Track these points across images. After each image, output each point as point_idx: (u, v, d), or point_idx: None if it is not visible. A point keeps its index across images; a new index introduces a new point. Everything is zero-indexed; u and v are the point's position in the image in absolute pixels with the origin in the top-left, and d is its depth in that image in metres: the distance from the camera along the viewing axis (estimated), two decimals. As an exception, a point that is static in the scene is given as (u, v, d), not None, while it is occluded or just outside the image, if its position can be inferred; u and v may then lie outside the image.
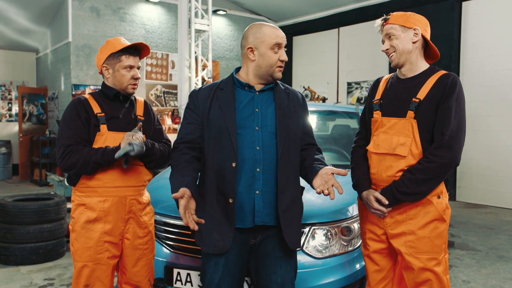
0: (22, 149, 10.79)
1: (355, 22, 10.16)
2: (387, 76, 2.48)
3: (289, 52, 11.71)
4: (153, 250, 2.56)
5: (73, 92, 9.36)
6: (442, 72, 2.27)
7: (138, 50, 2.46)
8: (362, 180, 2.34)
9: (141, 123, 2.42)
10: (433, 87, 2.20)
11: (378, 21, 2.35)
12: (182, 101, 6.82)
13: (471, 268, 4.65)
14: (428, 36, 2.30)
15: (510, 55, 7.70)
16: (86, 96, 2.45)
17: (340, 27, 10.53)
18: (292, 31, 11.66)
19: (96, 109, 2.37)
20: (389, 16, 2.30)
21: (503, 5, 7.80)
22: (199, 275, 2.57)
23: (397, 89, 2.31)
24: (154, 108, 9.70)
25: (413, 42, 2.25)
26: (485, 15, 8.04)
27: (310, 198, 2.82)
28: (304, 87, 11.39)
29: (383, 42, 2.33)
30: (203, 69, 7.31)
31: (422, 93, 2.20)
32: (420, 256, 2.16)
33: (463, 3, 8.32)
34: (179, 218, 2.73)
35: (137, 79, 2.44)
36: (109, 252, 2.36)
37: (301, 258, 2.55)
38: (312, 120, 4.48)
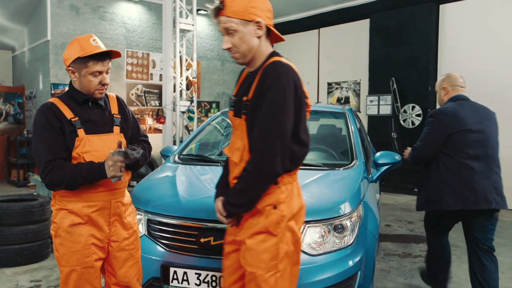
0: (-1, 150, 10.56)
1: (335, 23, 10.31)
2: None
3: (270, 52, 11.78)
4: (139, 249, 2.52)
5: (52, 91, 9.21)
6: (269, 61, 2.00)
7: (107, 53, 2.27)
8: (217, 186, 2.28)
9: (120, 141, 2.23)
10: (258, 81, 1.98)
11: (211, 8, 1.99)
12: (167, 100, 6.80)
13: (453, 263, 4.77)
14: (271, 23, 2.04)
15: (485, 57, 7.93)
16: (54, 101, 2.27)
17: (320, 28, 10.66)
18: (272, 31, 11.72)
19: (68, 114, 2.24)
20: (222, 4, 1.96)
21: (478, 9, 8.04)
22: (196, 273, 2.60)
23: (246, 84, 2.11)
24: (135, 108, 9.64)
25: (258, 37, 2.01)
26: (461, 19, 8.26)
27: (305, 196, 2.88)
28: (285, 87, 11.47)
29: (222, 34, 2.03)
30: (188, 69, 7.30)
31: (252, 91, 2.00)
32: (248, 268, 2.01)
33: (441, 6, 8.53)
34: (174, 217, 2.76)
35: (105, 85, 2.29)
36: (96, 254, 2.30)
37: (296, 255, 2.60)
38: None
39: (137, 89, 10.13)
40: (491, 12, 7.88)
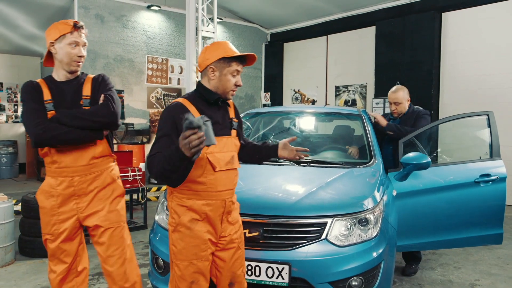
0: (29, 149, 10.68)
1: (342, 30, 10.32)
2: None
3: (280, 58, 11.83)
4: (243, 242, 2.48)
5: (79, 95, 9.29)
6: None
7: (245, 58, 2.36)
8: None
9: (186, 114, 2.03)
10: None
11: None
12: (190, 103, 6.88)
13: (460, 255, 4.81)
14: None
15: (486, 61, 7.93)
16: (182, 101, 2.28)
17: (328, 35, 10.67)
18: (283, 38, 11.77)
19: (195, 114, 2.23)
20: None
21: (478, 16, 8.03)
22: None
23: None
24: (155, 110, 9.65)
25: None
26: (463, 25, 8.26)
27: (331, 192, 2.92)
28: (294, 90, 11.51)
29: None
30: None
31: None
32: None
33: (443, 14, 8.52)
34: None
35: (238, 86, 2.34)
36: (211, 249, 2.32)
37: (325, 246, 2.65)
38: (317, 121, 4.59)
39: (157, 92, 10.20)
40: (489, 20, 7.88)
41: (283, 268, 2.61)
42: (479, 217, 3.49)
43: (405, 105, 4.26)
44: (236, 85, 2.33)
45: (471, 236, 3.53)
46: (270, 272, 2.63)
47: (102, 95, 2.51)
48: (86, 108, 2.48)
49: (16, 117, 11.59)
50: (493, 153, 3.58)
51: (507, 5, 7.67)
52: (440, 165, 3.71)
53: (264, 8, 10.68)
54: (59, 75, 2.53)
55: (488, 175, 3.46)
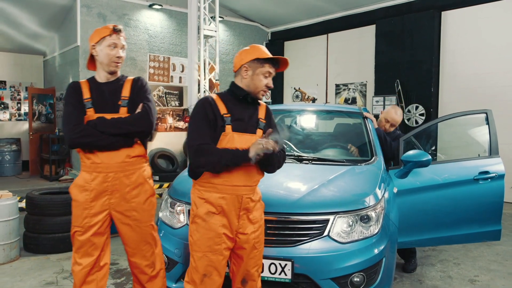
0: (32, 146, 10.68)
1: (342, 29, 10.30)
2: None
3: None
4: (262, 242, 2.51)
5: (82, 93, 9.30)
6: None
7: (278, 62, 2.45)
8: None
9: (271, 129, 2.33)
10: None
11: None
12: (192, 101, 6.88)
13: (459, 252, 4.82)
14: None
15: (486, 60, 7.93)
16: (214, 96, 2.42)
17: (328, 33, 10.65)
18: (284, 36, 11.76)
19: (223, 109, 2.37)
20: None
21: (478, 15, 8.02)
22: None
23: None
24: (157, 108, 9.67)
25: None
26: (462, 24, 8.25)
27: (333, 190, 2.93)
28: (295, 88, 11.51)
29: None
30: (211, 72, 7.37)
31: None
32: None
33: (442, 13, 8.51)
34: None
35: (269, 88, 2.44)
36: (225, 244, 2.35)
37: (327, 243, 2.66)
38: (318, 119, 4.59)
39: (159, 90, 10.20)
40: (488, 19, 7.87)
41: (286, 265, 2.62)
42: (478, 214, 3.50)
43: (387, 127, 4.38)
44: (267, 87, 2.40)
45: (470, 232, 3.55)
46: (273, 268, 2.65)
47: (141, 104, 2.59)
48: (124, 108, 2.57)
49: (20, 115, 11.59)
50: (492, 151, 3.59)
51: (506, 4, 7.67)
52: (440, 162, 3.72)
53: (265, 7, 10.67)
54: (100, 76, 2.63)
55: (486, 172, 3.47)
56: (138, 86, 2.65)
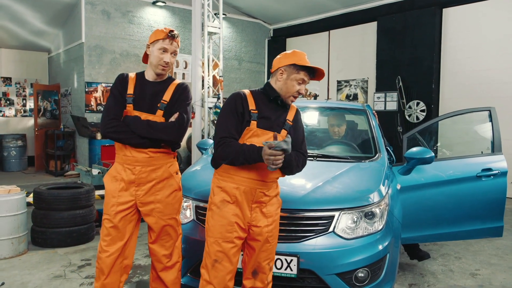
0: (38, 142, 10.70)
1: (344, 26, 10.28)
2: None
3: (283, 53, 11.77)
4: (276, 237, 2.53)
5: (86, 89, 9.31)
6: None
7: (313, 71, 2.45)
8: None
9: (276, 133, 2.36)
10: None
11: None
12: (196, 97, 6.87)
13: (460, 246, 4.83)
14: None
15: (486, 57, 7.91)
16: (246, 92, 2.48)
17: (330, 30, 10.63)
18: (286, 33, 11.73)
19: (252, 105, 2.43)
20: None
21: (478, 12, 8.00)
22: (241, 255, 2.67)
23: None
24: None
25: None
26: (463, 21, 8.22)
27: (338, 186, 2.94)
28: (297, 84, 11.48)
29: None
30: (214, 68, 7.36)
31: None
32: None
33: (444, 10, 8.48)
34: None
35: (300, 94, 2.47)
36: (237, 233, 2.41)
37: (332, 239, 2.67)
38: (321, 116, 4.59)
39: (163, 86, 10.18)
40: (489, 16, 7.85)
41: (291, 260, 2.64)
42: (480, 210, 3.50)
43: None
44: (299, 93, 2.43)
45: (473, 229, 3.55)
46: (279, 264, 2.67)
47: (177, 114, 2.63)
48: (161, 111, 2.63)
49: (25, 111, 11.60)
50: (495, 148, 3.59)
51: (507, 1, 7.63)
52: (442, 159, 3.72)
53: (267, 4, 10.64)
54: (149, 74, 2.70)
55: (489, 169, 3.47)
56: (179, 93, 2.69)
